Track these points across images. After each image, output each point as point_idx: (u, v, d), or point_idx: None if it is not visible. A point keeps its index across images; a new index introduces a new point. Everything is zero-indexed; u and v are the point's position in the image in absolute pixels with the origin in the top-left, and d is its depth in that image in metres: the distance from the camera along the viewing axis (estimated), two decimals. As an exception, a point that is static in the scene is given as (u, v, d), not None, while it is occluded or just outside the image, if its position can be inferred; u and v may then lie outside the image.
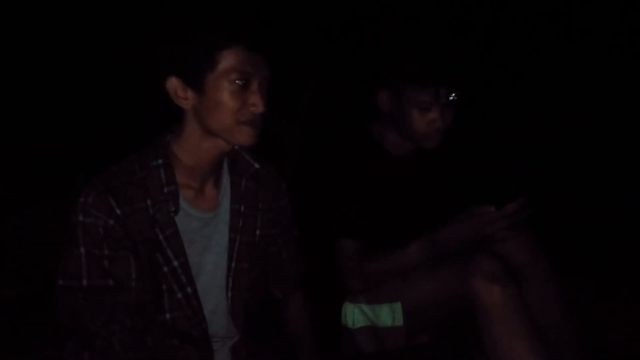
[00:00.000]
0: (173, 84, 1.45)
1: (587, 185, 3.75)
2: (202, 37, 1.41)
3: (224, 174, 1.57)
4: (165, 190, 1.46)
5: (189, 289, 1.48)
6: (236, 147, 1.57)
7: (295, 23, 3.42)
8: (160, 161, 1.47)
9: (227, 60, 1.41)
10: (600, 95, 4.10)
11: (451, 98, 1.83)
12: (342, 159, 1.89)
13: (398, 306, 1.79)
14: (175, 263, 1.46)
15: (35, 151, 3.15)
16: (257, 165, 1.60)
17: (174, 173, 1.48)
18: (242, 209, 1.57)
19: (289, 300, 1.72)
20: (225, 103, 1.42)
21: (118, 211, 1.40)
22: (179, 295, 1.47)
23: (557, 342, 1.81)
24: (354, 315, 1.84)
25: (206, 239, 1.53)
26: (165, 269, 1.46)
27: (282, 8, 3.20)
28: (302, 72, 3.79)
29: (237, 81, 1.41)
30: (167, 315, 1.47)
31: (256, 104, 1.43)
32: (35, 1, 3.33)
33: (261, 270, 1.61)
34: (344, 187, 1.85)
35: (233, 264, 1.55)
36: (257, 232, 1.60)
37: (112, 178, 1.44)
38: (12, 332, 2.14)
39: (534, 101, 4.14)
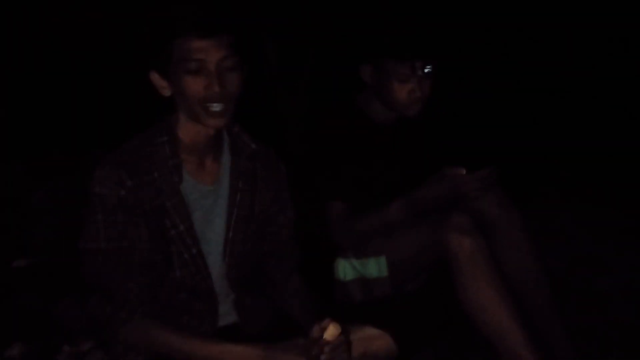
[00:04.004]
0: (154, 76, 1.58)
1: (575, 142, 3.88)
2: (157, 32, 1.53)
3: (224, 153, 1.69)
4: (170, 163, 1.59)
5: (194, 250, 1.60)
6: (235, 128, 1.70)
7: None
8: (165, 138, 1.61)
9: (179, 50, 1.51)
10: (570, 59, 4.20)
11: (427, 70, 1.97)
12: (331, 128, 2.03)
13: (383, 259, 1.94)
14: (182, 227, 1.58)
15: (54, 131, 3.36)
16: (253, 146, 1.70)
17: (178, 148, 1.61)
18: (240, 185, 1.67)
19: (286, 283, 1.78)
20: (186, 90, 1.53)
21: (129, 183, 1.53)
22: (186, 255, 1.59)
23: (528, 294, 1.95)
24: (345, 269, 1.99)
25: (206, 210, 1.63)
26: (173, 232, 1.58)
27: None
28: (303, 45, 3.91)
29: (191, 67, 1.50)
30: (177, 273, 1.59)
31: (210, 84, 1.51)
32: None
33: (255, 244, 1.70)
34: (333, 154, 1.99)
35: (230, 235, 1.65)
36: (255, 208, 1.69)
37: (123, 154, 1.58)
38: (41, 294, 2.29)
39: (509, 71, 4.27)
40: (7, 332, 2.06)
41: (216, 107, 1.54)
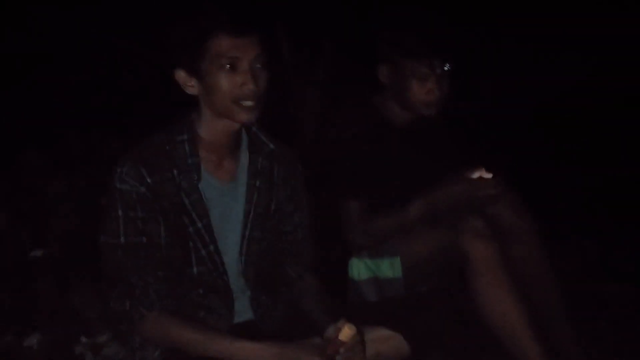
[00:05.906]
0: (180, 74, 1.61)
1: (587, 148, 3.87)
2: (190, 30, 1.57)
3: (242, 151, 1.71)
4: (189, 161, 1.62)
5: (211, 247, 1.63)
6: (253, 128, 1.71)
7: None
8: (185, 136, 1.63)
9: (214, 47, 1.55)
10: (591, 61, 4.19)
11: (446, 68, 1.99)
12: (347, 128, 2.05)
13: (397, 260, 1.97)
14: (200, 224, 1.62)
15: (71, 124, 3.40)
16: (271, 146, 1.73)
17: (197, 147, 1.64)
18: (258, 183, 1.70)
19: (301, 281, 1.79)
20: (220, 86, 1.57)
21: (149, 180, 1.56)
22: (203, 252, 1.62)
23: (540, 300, 1.98)
24: (359, 268, 2.02)
25: (224, 208, 1.67)
26: (191, 229, 1.61)
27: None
28: (319, 40, 3.93)
29: (226, 65, 1.55)
30: (194, 269, 1.62)
31: (246, 82, 1.56)
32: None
33: (271, 242, 1.73)
34: (349, 153, 2.01)
35: (247, 232, 1.68)
36: (272, 206, 1.72)
37: (143, 151, 1.61)
38: (58, 284, 2.35)
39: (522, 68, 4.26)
40: (25, 321, 2.09)
41: (249, 103, 1.58)
